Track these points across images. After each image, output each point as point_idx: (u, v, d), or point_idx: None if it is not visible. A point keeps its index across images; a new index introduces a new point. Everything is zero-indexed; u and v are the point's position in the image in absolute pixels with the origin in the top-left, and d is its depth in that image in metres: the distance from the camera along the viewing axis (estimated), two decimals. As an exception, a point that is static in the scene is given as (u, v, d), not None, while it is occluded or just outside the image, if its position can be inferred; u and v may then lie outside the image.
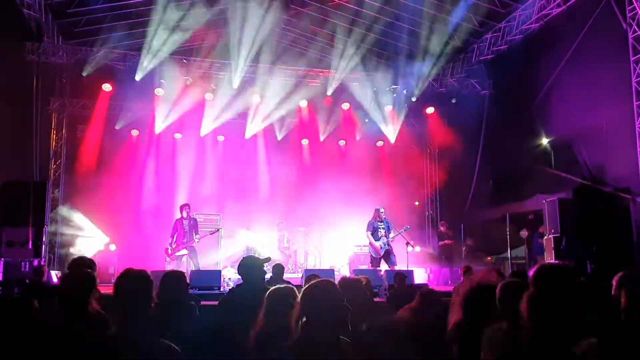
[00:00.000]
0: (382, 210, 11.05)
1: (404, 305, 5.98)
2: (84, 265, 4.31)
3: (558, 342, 2.27)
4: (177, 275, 4.44)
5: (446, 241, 13.16)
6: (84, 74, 12.95)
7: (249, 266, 4.34)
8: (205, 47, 13.37)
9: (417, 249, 12.70)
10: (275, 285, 3.36)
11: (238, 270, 4.40)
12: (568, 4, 10.48)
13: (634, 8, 9.43)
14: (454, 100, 14.48)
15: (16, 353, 3.20)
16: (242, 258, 4.50)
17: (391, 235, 10.98)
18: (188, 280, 9.28)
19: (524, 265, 11.77)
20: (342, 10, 12.70)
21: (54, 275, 9.27)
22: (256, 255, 6.05)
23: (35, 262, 8.88)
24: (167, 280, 4.22)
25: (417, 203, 16.05)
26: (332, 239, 14.16)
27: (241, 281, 4.53)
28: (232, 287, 5.04)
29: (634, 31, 9.48)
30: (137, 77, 12.98)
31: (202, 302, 7.12)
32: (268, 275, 7.12)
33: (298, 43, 14.59)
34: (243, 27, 12.46)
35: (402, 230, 10.90)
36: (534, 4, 11.15)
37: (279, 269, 6.96)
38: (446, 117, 15.18)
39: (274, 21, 12.66)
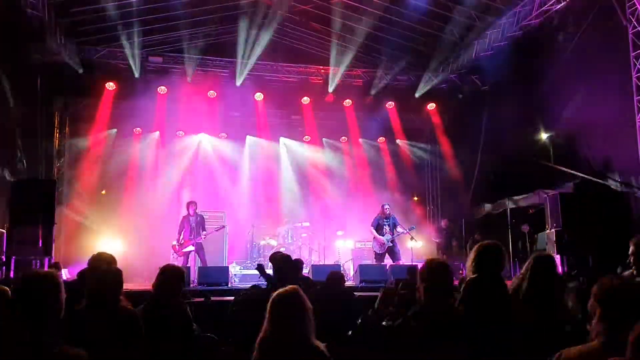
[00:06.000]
0: (386, 206, 11.17)
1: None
2: (105, 261, 4.39)
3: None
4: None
5: (435, 239, 13.26)
6: (87, 73, 13.02)
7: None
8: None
9: (420, 243, 12.82)
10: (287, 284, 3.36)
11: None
12: (568, 0, 10.58)
13: (634, 4, 9.55)
14: (460, 96, 14.60)
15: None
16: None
17: (397, 231, 11.12)
18: (195, 276, 9.41)
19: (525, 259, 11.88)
20: (343, 8, 12.79)
21: (64, 273, 9.35)
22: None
23: (46, 260, 8.98)
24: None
25: (415, 198, 16.21)
26: (335, 235, 14.29)
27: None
28: None
29: (634, 27, 9.59)
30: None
31: (212, 298, 7.28)
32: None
33: (300, 40, 14.67)
34: (248, 24, 12.56)
35: (407, 229, 11.04)
36: (534, 0, 11.25)
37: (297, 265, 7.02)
38: (447, 113, 15.32)
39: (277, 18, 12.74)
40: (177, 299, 4.25)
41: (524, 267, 3.76)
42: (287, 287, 2.97)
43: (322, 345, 2.81)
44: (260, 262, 5.98)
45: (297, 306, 2.85)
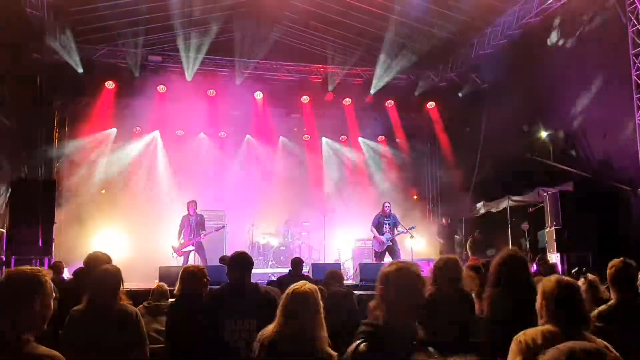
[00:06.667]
0: (387, 205, 11.21)
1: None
2: (101, 261, 4.37)
3: None
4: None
5: (441, 240, 13.29)
6: (87, 72, 13.01)
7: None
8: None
9: (420, 242, 12.81)
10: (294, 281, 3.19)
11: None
12: (567, -2, 10.56)
13: (633, 2, 9.54)
14: (460, 94, 14.58)
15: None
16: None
17: (397, 230, 11.15)
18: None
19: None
20: (343, 6, 12.76)
21: (66, 273, 9.33)
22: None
23: (46, 260, 8.99)
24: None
25: (415, 197, 16.21)
26: (335, 233, 14.30)
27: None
28: None
29: (634, 25, 9.59)
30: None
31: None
32: (286, 270, 7.23)
33: (300, 39, 14.66)
34: (248, 23, 12.57)
35: (408, 229, 11.07)
36: (534, -2, 11.23)
37: (297, 263, 7.02)
38: (447, 111, 15.30)
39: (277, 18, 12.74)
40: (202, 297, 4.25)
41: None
42: (303, 283, 2.88)
43: (333, 354, 2.71)
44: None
45: (312, 304, 2.77)
